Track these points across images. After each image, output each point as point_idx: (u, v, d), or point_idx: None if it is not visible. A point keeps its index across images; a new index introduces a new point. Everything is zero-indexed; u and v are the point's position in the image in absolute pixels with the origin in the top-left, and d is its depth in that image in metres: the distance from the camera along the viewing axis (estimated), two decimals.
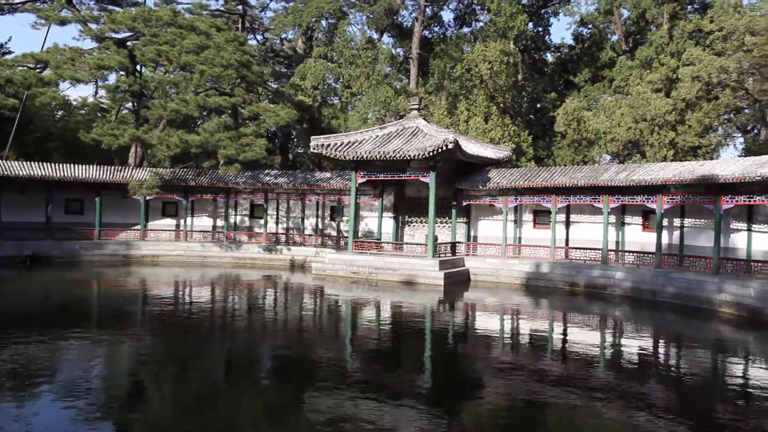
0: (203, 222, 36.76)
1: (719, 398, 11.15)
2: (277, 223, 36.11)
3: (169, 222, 36.38)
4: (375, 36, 50.33)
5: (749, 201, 21.36)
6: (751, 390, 11.87)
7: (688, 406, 10.60)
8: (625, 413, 9.79)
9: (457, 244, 29.31)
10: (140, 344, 14.06)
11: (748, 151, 37.21)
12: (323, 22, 49.38)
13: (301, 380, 11.48)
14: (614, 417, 9.70)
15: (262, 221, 35.57)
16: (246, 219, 37.10)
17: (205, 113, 42.66)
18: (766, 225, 22.65)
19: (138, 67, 38.34)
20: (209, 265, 31.91)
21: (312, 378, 11.68)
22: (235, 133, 33.09)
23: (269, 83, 45.67)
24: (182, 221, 35.87)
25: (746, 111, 35.42)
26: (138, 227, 34.43)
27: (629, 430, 9.15)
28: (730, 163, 23.17)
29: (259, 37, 53.46)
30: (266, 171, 36.82)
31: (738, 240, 23.44)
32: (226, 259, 33.22)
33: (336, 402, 9.91)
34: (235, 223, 36.67)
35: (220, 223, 36.43)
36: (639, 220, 26.88)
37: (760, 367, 14.07)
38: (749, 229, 23.06)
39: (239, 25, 45.56)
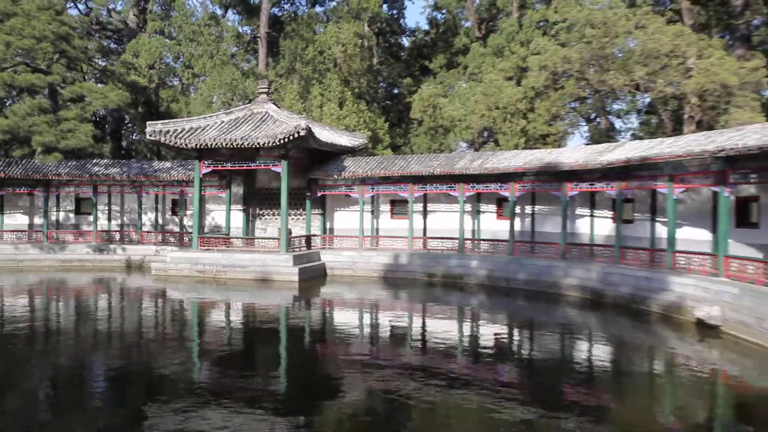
0: (16, 220, 33.53)
1: (567, 379, 12.32)
2: (109, 219, 33.93)
3: None
4: (219, 11, 48.80)
5: (591, 188, 23.65)
6: (595, 369, 13.33)
7: (538, 389, 11.60)
8: (482, 399, 10.49)
9: (312, 238, 29.42)
10: None
11: (591, 140, 41.14)
12: None
13: (141, 396, 11.00)
14: (471, 405, 10.35)
15: (91, 218, 33.23)
16: (71, 216, 34.43)
17: (14, 93, 38.78)
18: (606, 210, 25.27)
19: None
20: (26, 270, 29.31)
21: (155, 392, 11.21)
22: (54, 116, 30.50)
23: (96, 60, 42.63)
24: None
25: (589, 101, 39.08)
26: None
27: (485, 416, 9.83)
28: (575, 151, 25.49)
29: (81, 6, 49.49)
30: (95, 160, 34.38)
31: (582, 225, 25.93)
32: (47, 262, 30.66)
33: (183, 416, 9.59)
34: (57, 220, 33.91)
35: (38, 221, 33.47)
36: (493, 208, 28.67)
37: (602, 347, 15.77)
38: (592, 215, 25.58)
39: None
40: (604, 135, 39.22)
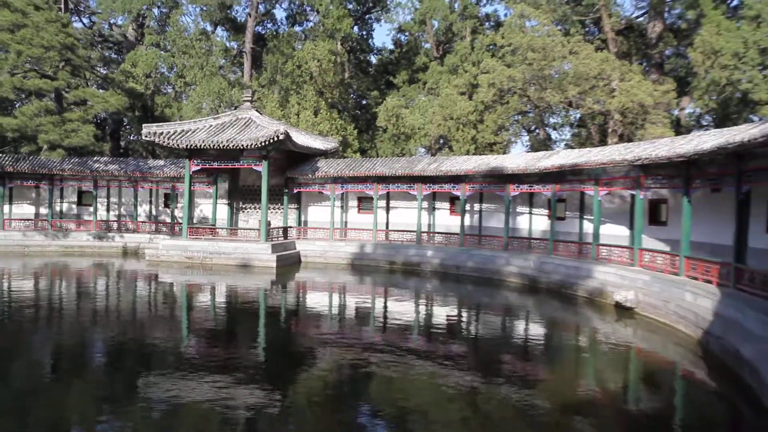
0: (24, 210, 32.49)
1: (506, 352, 12.53)
2: (108, 210, 33.11)
3: None
4: (209, 28, 48.01)
5: (530, 189, 24.02)
6: (530, 343, 13.58)
7: (483, 361, 11.78)
8: (434, 369, 10.61)
9: (288, 229, 29.22)
10: None
11: (531, 148, 41.71)
12: (155, 10, 45.87)
13: (134, 367, 10.78)
14: (425, 374, 10.46)
15: (91, 209, 32.37)
16: (74, 206, 33.48)
17: (23, 96, 37.56)
18: (542, 209, 25.68)
19: None
20: (32, 255, 28.37)
21: (147, 363, 11.02)
22: (59, 118, 29.66)
23: (98, 68, 41.53)
24: None
25: (530, 114, 39.59)
26: None
27: (437, 384, 9.95)
28: (517, 157, 25.83)
29: (85, 20, 48.13)
30: (95, 158, 33.44)
31: (522, 221, 26.31)
32: (51, 247, 29.80)
33: (172, 385, 9.46)
34: (61, 210, 32.95)
35: (44, 211, 32.46)
36: (447, 205, 28.87)
37: (536, 325, 16.07)
38: (530, 213, 25.98)
39: (61, 6, 40.58)
40: (542, 144, 39.81)
